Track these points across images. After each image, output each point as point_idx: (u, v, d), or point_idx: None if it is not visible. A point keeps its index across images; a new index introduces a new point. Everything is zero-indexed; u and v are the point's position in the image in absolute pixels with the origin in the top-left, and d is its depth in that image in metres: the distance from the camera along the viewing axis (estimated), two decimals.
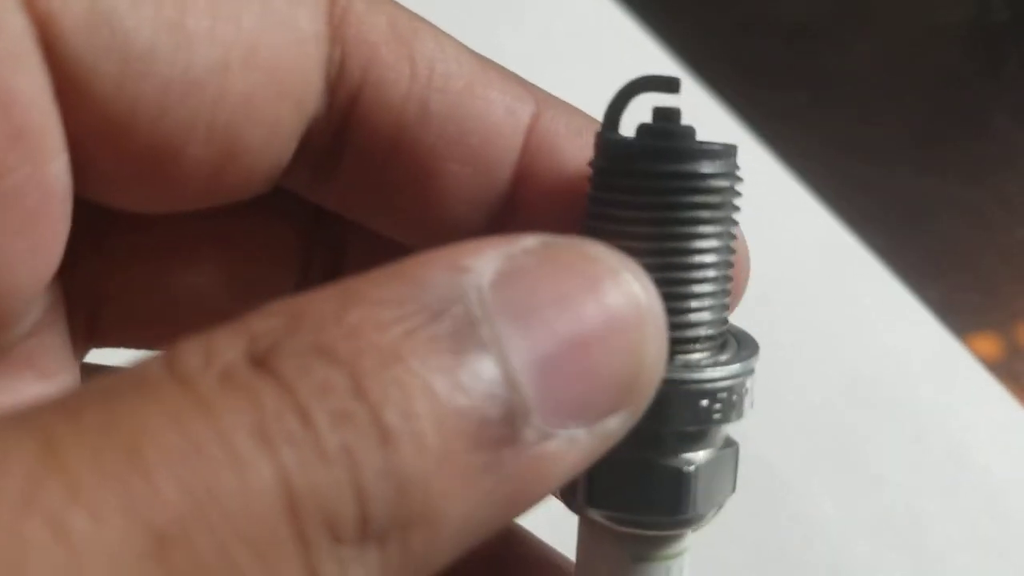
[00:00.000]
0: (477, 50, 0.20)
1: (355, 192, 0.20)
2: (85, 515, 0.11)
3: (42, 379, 0.19)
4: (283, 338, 0.13)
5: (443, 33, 0.20)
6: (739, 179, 0.18)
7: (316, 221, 0.22)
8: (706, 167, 0.17)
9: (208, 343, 0.13)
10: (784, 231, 0.47)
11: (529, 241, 0.15)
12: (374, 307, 0.13)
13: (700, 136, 0.18)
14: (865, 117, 0.56)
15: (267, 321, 0.13)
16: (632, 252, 0.15)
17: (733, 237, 0.18)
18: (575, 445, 0.14)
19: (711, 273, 0.18)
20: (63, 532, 0.11)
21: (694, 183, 0.17)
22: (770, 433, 0.39)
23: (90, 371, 0.21)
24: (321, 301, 0.13)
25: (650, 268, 0.15)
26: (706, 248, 0.18)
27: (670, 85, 0.18)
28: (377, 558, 0.13)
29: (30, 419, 0.12)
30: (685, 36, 0.57)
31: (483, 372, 0.13)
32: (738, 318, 0.41)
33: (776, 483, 0.37)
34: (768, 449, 0.38)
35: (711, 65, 0.55)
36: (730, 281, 0.18)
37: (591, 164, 0.18)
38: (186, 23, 0.16)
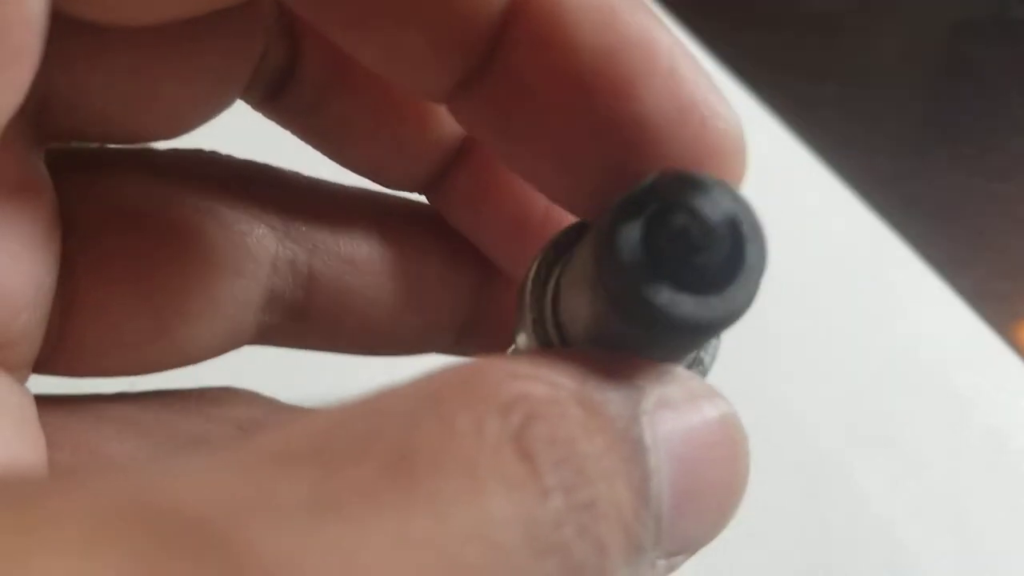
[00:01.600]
0: None
1: None
2: None
3: None
4: (539, 419, 0.13)
5: None
6: None
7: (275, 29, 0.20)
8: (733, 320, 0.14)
9: (475, 398, 0.13)
10: (819, 222, 0.48)
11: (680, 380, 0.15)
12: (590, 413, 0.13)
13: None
14: (892, 110, 0.57)
15: (518, 384, 0.13)
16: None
17: None
18: (658, 572, 0.14)
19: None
20: None
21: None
22: (817, 416, 0.40)
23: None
24: (547, 386, 0.13)
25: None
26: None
27: (692, 192, 0.13)
28: None
29: (355, 485, 0.11)
30: (714, 32, 0.58)
31: (651, 498, 0.13)
32: (782, 307, 0.42)
33: (824, 463, 0.39)
34: (816, 431, 0.40)
35: (740, 59, 0.56)
36: None
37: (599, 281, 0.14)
38: None
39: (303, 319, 0.22)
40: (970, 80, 0.63)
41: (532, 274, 0.17)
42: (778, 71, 0.58)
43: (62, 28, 0.16)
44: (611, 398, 0.14)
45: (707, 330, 0.14)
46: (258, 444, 0.11)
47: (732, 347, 0.41)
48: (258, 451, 0.11)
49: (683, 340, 0.15)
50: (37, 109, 0.18)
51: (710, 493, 0.15)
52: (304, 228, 0.21)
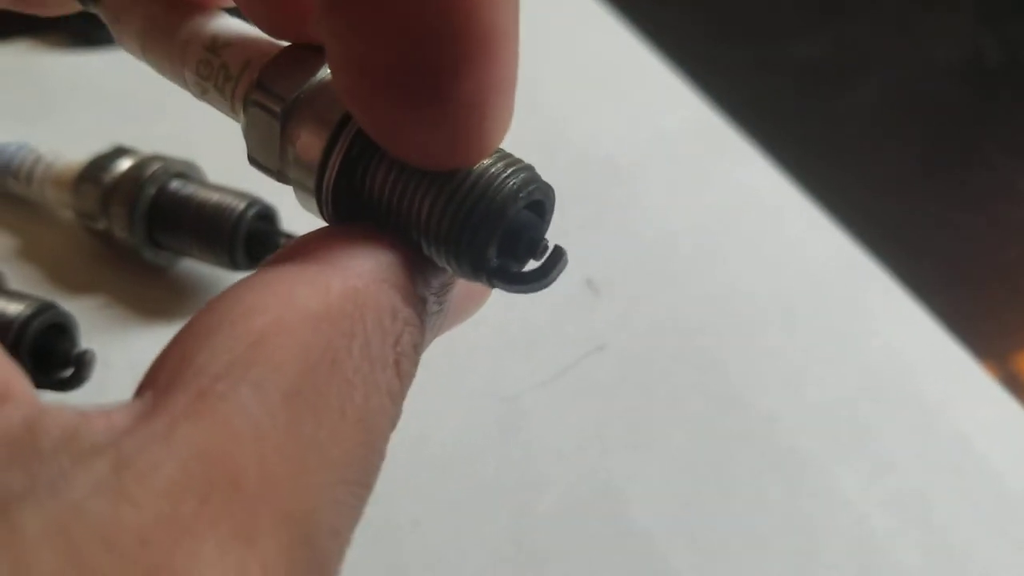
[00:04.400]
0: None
1: None
2: None
3: None
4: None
5: None
6: None
7: None
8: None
9: None
10: (805, 250, 0.53)
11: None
12: None
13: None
14: (873, 148, 0.62)
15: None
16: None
17: None
18: None
19: None
20: None
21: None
22: (795, 423, 0.44)
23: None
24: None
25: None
26: None
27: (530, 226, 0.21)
28: None
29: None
30: (705, 73, 0.63)
31: None
32: (770, 326, 0.48)
33: (801, 465, 0.43)
34: (793, 436, 0.44)
35: (729, 100, 0.61)
36: None
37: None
38: None
39: None
40: (945, 120, 0.68)
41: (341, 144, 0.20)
42: (767, 115, 0.63)
43: None
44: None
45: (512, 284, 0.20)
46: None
47: (720, 360, 0.45)
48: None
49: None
50: None
51: None
52: None
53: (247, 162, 0.22)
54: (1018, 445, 0.45)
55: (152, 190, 0.44)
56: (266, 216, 0.45)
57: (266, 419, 0.15)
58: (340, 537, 0.16)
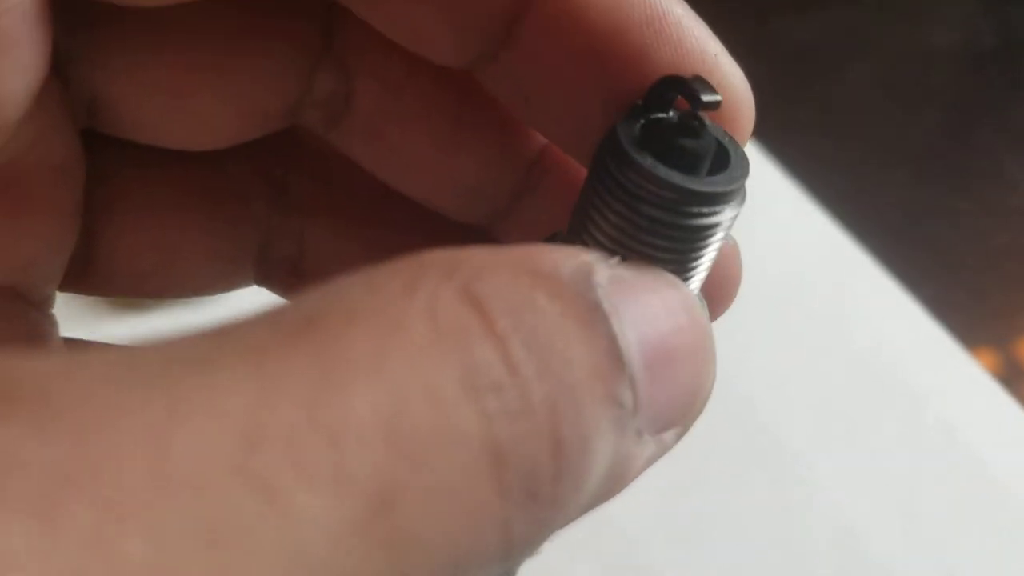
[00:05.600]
0: None
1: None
2: (303, 484, 0.10)
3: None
4: (486, 275, 0.12)
5: None
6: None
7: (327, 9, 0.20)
8: (729, 212, 0.16)
9: (412, 265, 0.12)
10: (793, 238, 0.52)
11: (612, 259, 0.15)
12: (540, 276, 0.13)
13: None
14: (863, 134, 0.61)
15: (463, 254, 0.12)
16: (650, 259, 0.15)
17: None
18: (647, 449, 0.14)
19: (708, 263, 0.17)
20: (280, 503, 0.10)
21: (715, 222, 0.16)
22: (781, 411, 0.44)
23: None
24: (490, 254, 0.13)
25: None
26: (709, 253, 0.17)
27: (704, 99, 0.15)
28: (553, 516, 0.12)
29: (244, 342, 0.11)
30: None
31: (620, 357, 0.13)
32: (755, 313, 0.47)
33: (786, 453, 0.42)
34: (779, 425, 0.43)
35: None
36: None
37: (600, 161, 0.16)
38: None
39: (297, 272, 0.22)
40: (937, 105, 0.67)
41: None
42: (758, 98, 0.62)
43: (95, 28, 0.17)
44: (561, 264, 0.13)
45: (685, 201, 0.15)
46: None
47: None
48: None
49: (667, 221, 0.15)
50: (86, 112, 0.19)
51: (680, 362, 0.14)
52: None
53: None
54: (1004, 434, 0.44)
55: None
56: None
57: None
58: None
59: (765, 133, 0.58)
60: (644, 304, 0.14)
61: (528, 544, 0.12)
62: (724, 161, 0.16)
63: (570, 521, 0.13)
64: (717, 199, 0.15)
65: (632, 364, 0.13)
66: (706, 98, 0.15)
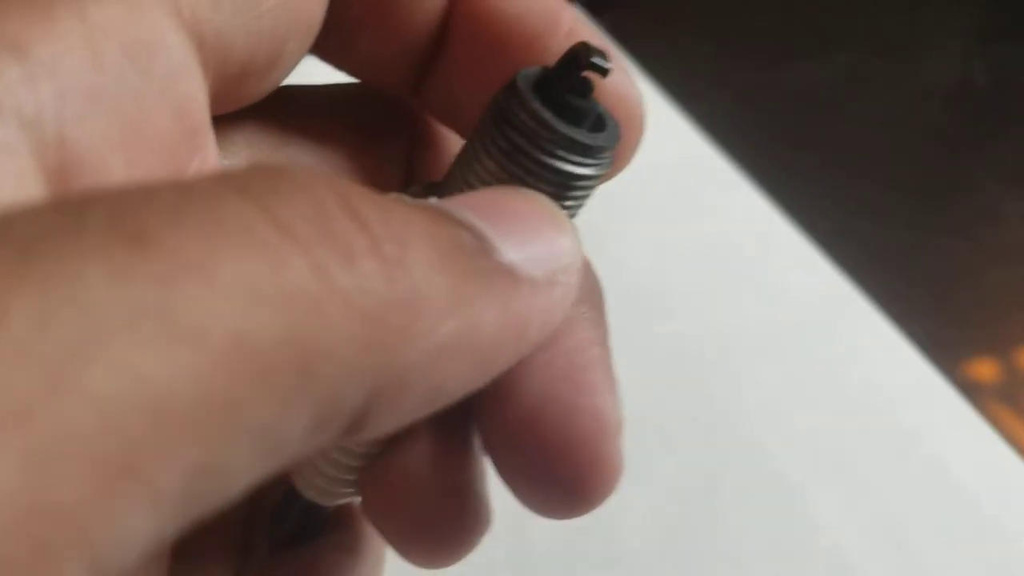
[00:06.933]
0: None
1: None
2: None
3: None
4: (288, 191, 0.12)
5: None
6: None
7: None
8: (593, 171, 0.18)
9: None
10: (789, 280, 0.55)
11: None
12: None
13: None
14: (859, 174, 0.64)
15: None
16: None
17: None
18: (535, 291, 0.15)
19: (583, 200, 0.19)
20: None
21: (579, 172, 0.18)
22: (779, 448, 0.46)
23: None
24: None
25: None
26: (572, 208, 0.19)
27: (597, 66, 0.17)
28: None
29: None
30: (699, 104, 0.65)
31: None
32: (753, 354, 0.49)
33: (784, 488, 0.45)
34: (777, 460, 0.46)
35: (723, 130, 0.63)
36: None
37: (498, 103, 0.18)
38: None
39: None
40: (934, 143, 0.70)
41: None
42: (763, 140, 0.64)
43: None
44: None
45: (572, 152, 0.17)
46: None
47: (704, 386, 0.47)
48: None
49: (536, 158, 0.17)
50: None
51: (523, 215, 0.15)
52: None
53: None
54: (994, 472, 0.46)
55: None
56: None
57: None
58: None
59: (764, 175, 0.61)
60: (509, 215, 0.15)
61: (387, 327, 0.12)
62: (600, 128, 0.18)
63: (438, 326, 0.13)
64: (586, 150, 0.17)
65: (468, 219, 0.14)
66: (596, 60, 0.17)
